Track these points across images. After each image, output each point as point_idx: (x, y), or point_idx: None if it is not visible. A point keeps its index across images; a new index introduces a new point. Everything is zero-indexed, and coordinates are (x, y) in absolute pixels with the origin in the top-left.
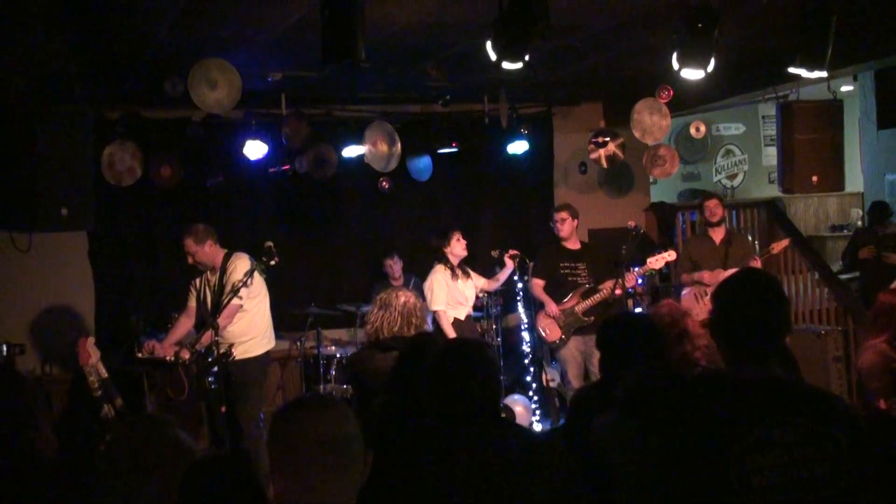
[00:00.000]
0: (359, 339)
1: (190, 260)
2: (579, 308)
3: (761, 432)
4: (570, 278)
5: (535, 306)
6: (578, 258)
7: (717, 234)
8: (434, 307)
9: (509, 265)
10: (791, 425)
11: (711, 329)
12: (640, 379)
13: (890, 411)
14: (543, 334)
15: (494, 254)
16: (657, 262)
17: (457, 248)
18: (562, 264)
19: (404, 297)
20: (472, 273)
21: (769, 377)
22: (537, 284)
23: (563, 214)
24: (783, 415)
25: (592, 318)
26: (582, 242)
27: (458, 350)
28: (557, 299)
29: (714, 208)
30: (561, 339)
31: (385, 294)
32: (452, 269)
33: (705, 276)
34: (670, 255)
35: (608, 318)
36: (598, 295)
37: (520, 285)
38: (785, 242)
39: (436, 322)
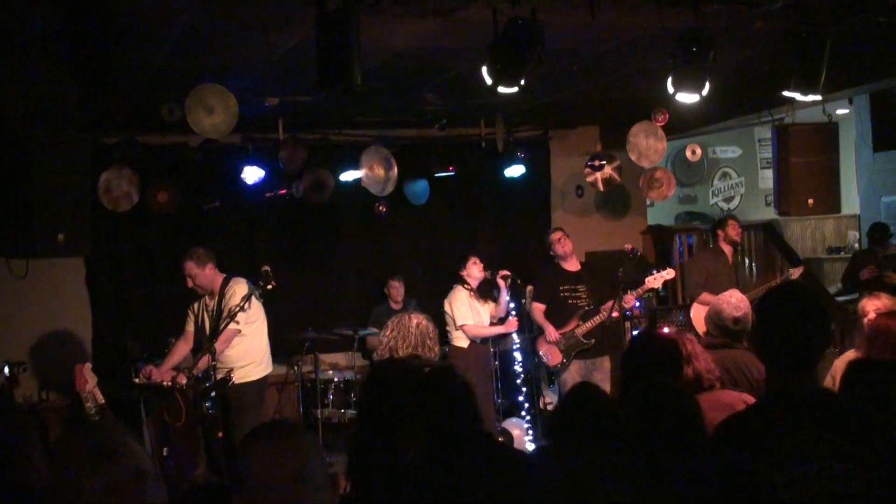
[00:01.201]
0: (356, 362)
1: (190, 283)
2: (579, 331)
3: (793, 446)
4: (570, 301)
5: (535, 330)
6: (579, 280)
7: (729, 254)
8: (461, 322)
9: (501, 286)
10: (824, 440)
11: (753, 341)
12: (565, 403)
13: None
14: (545, 359)
15: (486, 274)
16: (656, 281)
17: (473, 270)
18: (561, 287)
19: (416, 320)
20: (489, 301)
21: (807, 391)
22: (538, 309)
23: (560, 234)
24: (817, 429)
25: (593, 340)
26: (581, 263)
27: (433, 382)
28: (559, 323)
29: (740, 230)
30: (562, 363)
31: (397, 317)
32: (471, 290)
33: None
34: (669, 274)
35: (634, 337)
36: (597, 317)
37: (511, 305)
38: (801, 269)
39: (449, 345)
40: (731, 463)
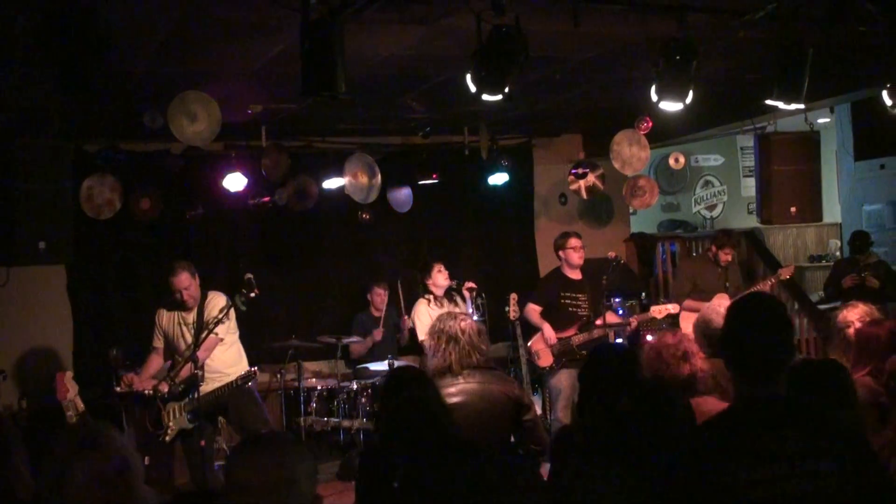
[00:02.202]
0: (340, 371)
1: (185, 295)
2: (576, 339)
3: (761, 447)
4: (570, 308)
5: (518, 338)
6: (581, 289)
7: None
8: (422, 337)
9: (466, 297)
10: (791, 439)
11: (721, 349)
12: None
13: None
14: (535, 358)
15: (452, 284)
16: (660, 312)
17: (438, 278)
18: (563, 293)
19: (465, 324)
20: (461, 305)
21: (773, 396)
22: (534, 310)
23: (580, 243)
24: (784, 430)
25: (585, 352)
26: (583, 273)
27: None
28: (556, 328)
29: (729, 259)
30: (552, 366)
31: (442, 324)
32: (434, 298)
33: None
34: (674, 308)
35: (593, 350)
36: (597, 331)
37: (475, 318)
38: (791, 267)
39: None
40: (702, 466)
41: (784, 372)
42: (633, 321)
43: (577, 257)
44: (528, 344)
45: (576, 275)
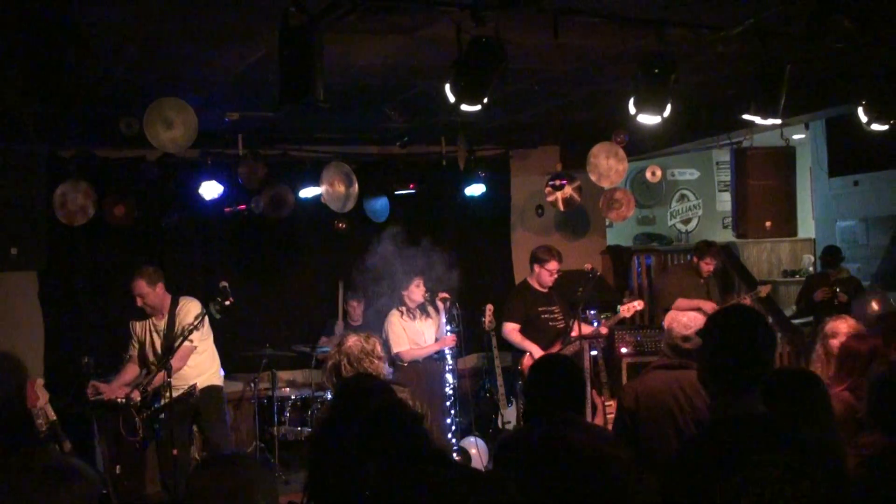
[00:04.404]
0: (314, 380)
1: (139, 302)
2: (564, 353)
3: (745, 473)
4: (550, 323)
5: (492, 348)
6: (554, 301)
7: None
8: (395, 350)
9: (440, 308)
10: (772, 464)
11: (699, 362)
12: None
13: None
14: None
15: (426, 295)
16: (628, 311)
17: (415, 293)
18: (540, 308)
19: (348, 343)
20: (433, 316)
21: (750, 414)
22: (514, 329)
23: (557, 266)
24: (763, 454)
25: None
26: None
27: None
28: (541, 345)
29: (710, 270)
30: None
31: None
32: (408, 310)
33: (706, 305)
34: (639, 305)
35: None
36: (577, 343)
37: (448, 327)
38: (769, 287)
39: (395, 365)
40: (686, 490)
41: (759, 382)
42: (604, 329)
43: (549, 280)
44: (519, 367)
45: (544, 288)
